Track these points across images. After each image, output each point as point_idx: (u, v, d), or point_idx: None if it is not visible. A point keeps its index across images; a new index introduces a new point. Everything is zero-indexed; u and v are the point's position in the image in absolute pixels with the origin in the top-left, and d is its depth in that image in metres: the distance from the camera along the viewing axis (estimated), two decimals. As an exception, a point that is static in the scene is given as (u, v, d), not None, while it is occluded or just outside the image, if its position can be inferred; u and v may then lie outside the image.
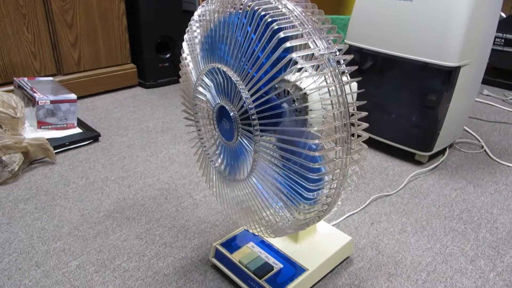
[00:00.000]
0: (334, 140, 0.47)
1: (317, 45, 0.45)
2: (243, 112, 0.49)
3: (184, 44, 0.59)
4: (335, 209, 0.56)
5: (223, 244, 0.69)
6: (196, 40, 0.56)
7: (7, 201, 0.87)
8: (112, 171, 1.00)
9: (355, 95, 0.51)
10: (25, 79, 1.23)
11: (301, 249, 0.68)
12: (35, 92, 1.13)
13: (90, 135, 1.14)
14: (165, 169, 1.02)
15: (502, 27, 1.56)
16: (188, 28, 0.58)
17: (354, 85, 0.53)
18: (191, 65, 0.59)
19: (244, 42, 0.47)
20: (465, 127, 1.27)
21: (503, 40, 1.61)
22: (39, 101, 1.10)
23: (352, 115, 0.47)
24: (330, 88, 0.45)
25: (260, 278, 0.62)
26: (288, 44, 0.43)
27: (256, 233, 0.60)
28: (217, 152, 0.60)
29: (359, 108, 0.47)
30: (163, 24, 1.55)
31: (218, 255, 0.68)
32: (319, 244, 0.69)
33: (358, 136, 0.48)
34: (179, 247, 0.75)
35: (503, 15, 1.61)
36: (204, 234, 0.79)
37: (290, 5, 0.47)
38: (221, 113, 0.54)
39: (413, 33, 0.95)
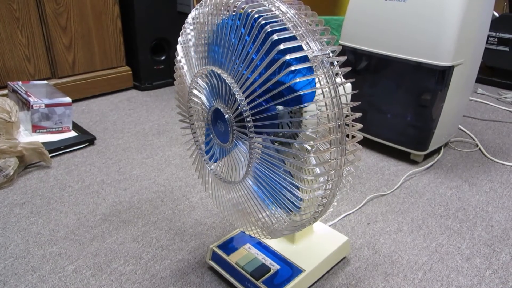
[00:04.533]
0: (329, 141, 0.47)
1: (310, 47, 0.45)
2: (237, 114, 0.50)
3: (178, 47, 0.59)
4: (330, 210, 0.56)
5: (220, 246, 0.69)
6: (190, 43, 0.56)
7: (2, 206, 0.86)
8: (108, 174, 1.00)
9: (349, 96, 0.52)
10: (20, 83, 1.22)
11: (298, 250, 0.68)
12: (30, 96, 1.12)
13: (85, 139, 1.14)
14: (161, 171, 1.02)
15: (495, 26, 1.57)
16: (182, 30, 0.58)
17: (348, 86, 0.53)
18: (185, 67, 0.59)
19: (238, 45, 0.47)
20: (459, 126, 1.28)
21: (496, 39, 1.62)
22: (34, 105, 1.09)
23: (347, 116, 0.47)
24: (324, 90, 0.45)
25: (257, 280, 0.62)
26: (281, 46, 0.43)
27: (253, 235, 0.61)
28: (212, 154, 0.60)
29: (354, 109, 0.48)
30: (158, 26, 1.54)
31: (215, 257, 0.68)
32: (315, 244, 0.70)
33: (353, 137, 0.49)
34: (176, 249, 0.75)
35: (496, 14, 1.62)
36: (200, 236, 0.79)
37: (284, 7, 0.47)
38: (216, 115, 0.54)
39: (407, 33, 0.96)
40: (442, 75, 0.94)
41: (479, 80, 1.68)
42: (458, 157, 1.12)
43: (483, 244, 0.78)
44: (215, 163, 0.60)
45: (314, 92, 0.48)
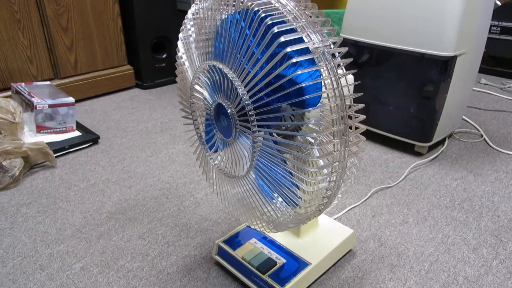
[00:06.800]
0: (332, 133, 0.47)
1: (311, 39, 0.45)
2: (240, 109, 0.50)
3: (179, 43, 0.59)
4: (335, 202, 0.56)
5: (226, 241, 0.69)
6: (191, 39, 0.56)
7: (9, 206, 0.87)
8: (112, 173, 1.00)
9: (351, 88, 0.52)
10: (23, 84, 1.23)
11: (304, 244, 0.68)
12: (33, 97, 1.13)
13: (89, 138, 1.14)
14: (165, 169, 1.02)
15: (497, 15, 1.55)
16: (183, 26, 0.58)
17: (350, 77, 0.53)
18: (187, 63, 0.59)
19: (238, 38, 0.47)
20: (463, 117, 1.27)
21: (499, 28, 1.60)
22: (37, 106, 1.10)
23: (349, 107, 0.47)
24: (326, 81, 0.45)
25: (263, 274, 0.62)
26: (282, 39, 0.43)
27: (258, 229, 0.61)
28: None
29: (356, 101, 0.48)
30: (158, 25, 1.54)
31: (221, 252, 0.68)
32: (321, 238, 0.70)
33: (356, 128, 0.49)
34: (182, 245, 0.76)
35: (498, 3, 1.60)
36: (206, 232, 0.79)
37: (283, 0, 0.47)
38: (219, 110, 0.54)
39: (408, 24, 0.95)
40: (445, 65, 0.94)
41: (482, 70, 1.67)
42: (463, 148, 1.12)
43: (489, 234, 0.78)
44: (219, 158, 0.60)
45: (316, 84, 0.47)
